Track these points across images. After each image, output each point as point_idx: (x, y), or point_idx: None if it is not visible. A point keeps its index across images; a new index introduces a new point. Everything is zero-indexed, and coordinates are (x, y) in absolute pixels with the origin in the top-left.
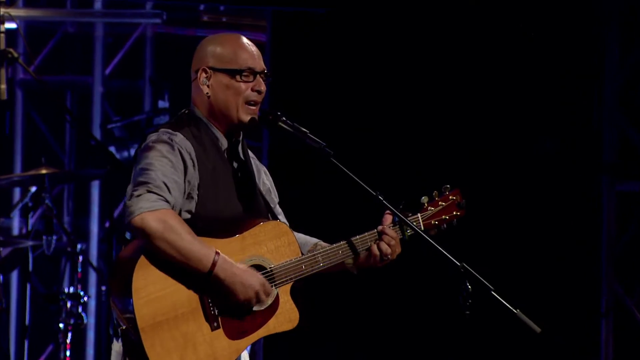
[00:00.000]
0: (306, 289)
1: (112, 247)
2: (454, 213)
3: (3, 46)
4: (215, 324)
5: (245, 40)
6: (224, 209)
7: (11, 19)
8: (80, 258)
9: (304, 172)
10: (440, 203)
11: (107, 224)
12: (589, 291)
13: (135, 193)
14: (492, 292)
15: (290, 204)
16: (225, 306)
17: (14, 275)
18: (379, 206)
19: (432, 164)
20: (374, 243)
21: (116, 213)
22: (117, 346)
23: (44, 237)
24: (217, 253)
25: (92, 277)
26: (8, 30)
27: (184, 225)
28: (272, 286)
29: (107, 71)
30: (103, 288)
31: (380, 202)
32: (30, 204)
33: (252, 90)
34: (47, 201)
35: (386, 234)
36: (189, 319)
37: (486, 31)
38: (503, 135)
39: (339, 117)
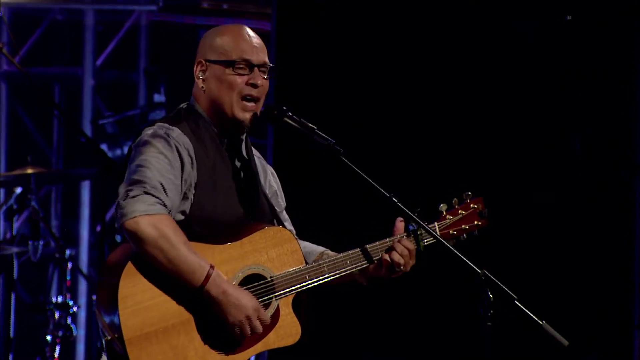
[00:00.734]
0: (311, 299)
1: (104, 253)
2: (475, 223)
3: None
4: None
5: (247, 31)
6: (222, 212)
7: None
8: (70, 265)
9: (311, 171)
10: (460, 211)
11: (98, 228)
12: (621, 301)
13: (131, 193)
14: (516, 302)
15: (296, 206)
16: (216, 325)
17: None
18: (392, 209)
19: (453, 165)
20: (386, 253)
21: (108, 216)
22: None
23: (30, 243)
24: (212, 267)
25: (82, 285)
26: None
27: (179, 234)
28: (273, 298)
29: (98, 62)
30: (94, 297)
31: (394, 204)
32: (15, 207)
33: (247, 84)
34: (33, 203)
35: (400, 244)
36: (179, 331)
37: (513, 25)
38: (531, 134)
39: (349, 112)
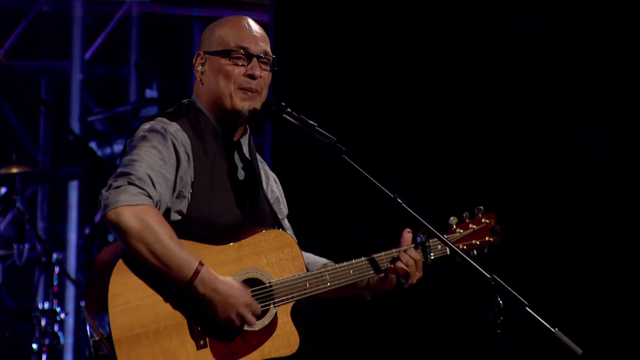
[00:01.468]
0: (312, 310)
1: (93, 257)
2: (486, 239)
3: None
4: (201, 342)
5: (247, 20)
6: (220, 213)
7: None
8: (57, 269)
9: (311, 171)
10: (471, 226)
11: (87, 231)
12: (638, 307)
13: (114, 184)
14: (527, 308)
15: (295, 207)
16: (208, 324)
17: None
18: (396, 211)
19: (464, 167)
20: (391, 264)
21: (97, 218)
22: None
23: (15, 246)
24: (200, 263)
25: (70, 291)
26: None
27: (164, 226)
28: (271, 305)
29: (87, 56)
30: (82, 303)
31: (398, 205)
32: None
33: (245, 75)
34: (18, 204)
35: (405, 254)
36: (171, 333)
37: (528, 24)
38: (545, 134)
39: (351, 108)
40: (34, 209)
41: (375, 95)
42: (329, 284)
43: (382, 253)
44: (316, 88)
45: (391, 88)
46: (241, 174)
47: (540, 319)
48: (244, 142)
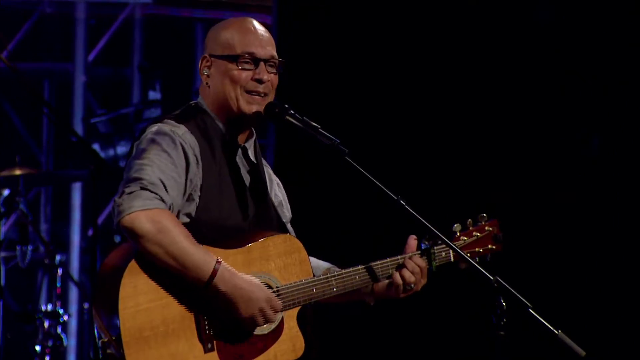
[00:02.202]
0: (318, 315)
1: (96, 259)
2: (489, 247)
3: None
4: (209, 346)
5: (253, 23)
6: (228, 216)
7: None
8: (60, 271)
9: (314, 172)
10: (474, 233)
11: (90, 232)
12: None
13: (127, 190)
14: (530, 310)
15: (298, 209)
16: (224, 325)
17: None
18: (399, 214)
19: (467, 169)
20: (397, 271)
21: (100, 220)
22: None
23: (18, 248)
24: (218, 261)
25: (73, 292)
26: None
27: (180, 228)
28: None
29: (90, 58)
30: (85, 305)
31: (402, 207)
32: (2, 210)
33: (252, 79)
34: (21, 206)
35: (411, 261)
36: (180, 337)
37: (531, 24)
38: (548, 135)
39: (355, 110)
40: (37, 210)
41: (379, 98)
42: (335, 289)
43: (388, 259)
44: (319, 90)
45: (394, 90)
46: (247, 178)
47: (543, 320)
48: (250, 145)
